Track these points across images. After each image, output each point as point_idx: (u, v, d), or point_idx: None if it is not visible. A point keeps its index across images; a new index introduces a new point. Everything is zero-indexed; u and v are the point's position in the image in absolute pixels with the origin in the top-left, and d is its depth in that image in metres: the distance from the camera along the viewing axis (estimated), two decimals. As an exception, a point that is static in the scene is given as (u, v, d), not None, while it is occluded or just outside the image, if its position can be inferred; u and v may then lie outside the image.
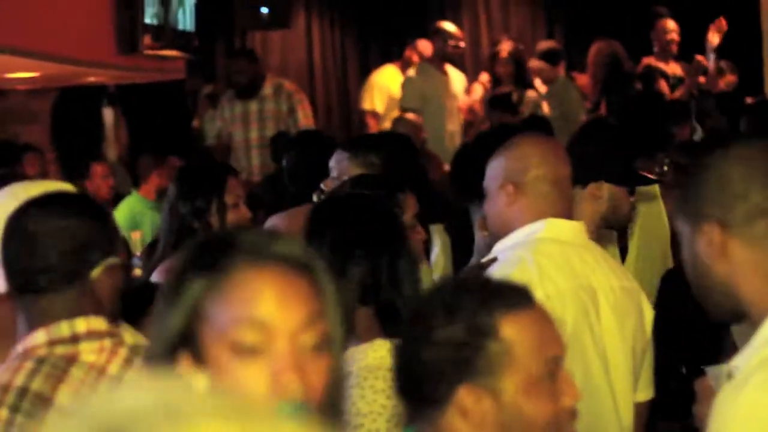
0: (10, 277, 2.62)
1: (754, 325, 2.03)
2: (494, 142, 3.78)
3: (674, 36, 10.09)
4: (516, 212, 3.35)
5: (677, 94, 9.28)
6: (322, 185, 4.45)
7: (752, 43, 9.86)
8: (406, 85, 9.57)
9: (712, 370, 2.18)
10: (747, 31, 10.05)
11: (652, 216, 5.16)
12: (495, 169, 3.45)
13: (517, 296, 2.09)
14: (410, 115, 8.91)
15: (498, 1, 12.59)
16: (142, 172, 7.93)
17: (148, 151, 8.39)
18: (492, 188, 3.41)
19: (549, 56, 10.06)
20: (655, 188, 4.13)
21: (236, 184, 4.31)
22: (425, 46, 10.23)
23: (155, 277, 4.00)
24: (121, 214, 7.59)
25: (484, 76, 10.00)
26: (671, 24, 10.14)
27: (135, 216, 7.37)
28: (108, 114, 9.23)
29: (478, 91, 10.03)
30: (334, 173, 4.41)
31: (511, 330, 2.02)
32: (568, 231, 3.39)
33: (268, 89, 9.12)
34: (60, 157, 8.67)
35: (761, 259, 2.01)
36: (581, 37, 11.42)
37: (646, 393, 3.53)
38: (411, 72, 9.76)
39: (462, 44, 9.98)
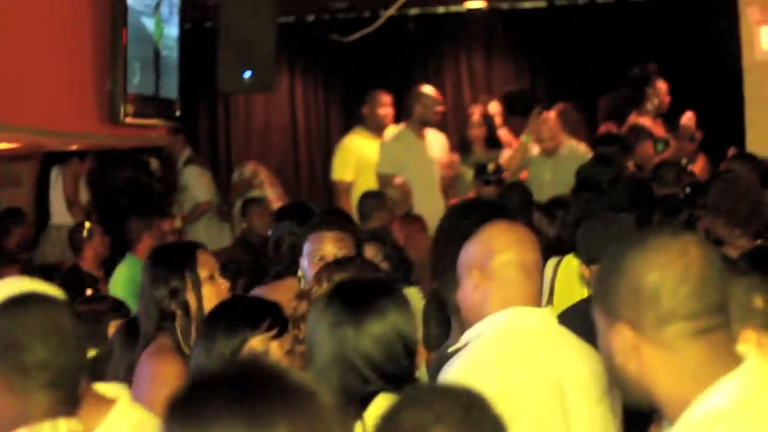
0: None
1: (670, 422, 2.08)
2: (464, 223, 3.81)
3: (667, 96, 10.24)
4: (482, 298, 3.34)
5: (664, 156, 9.35)
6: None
7: (734, 101, 9.97)
8: (382, 149, 9.46)
9: None
10: (729, 91, 10.15)
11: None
12: (463, 255, 3.47)
13: None
14: (398, 179, 8.88)
15: (481, 63, 12.67)
16: (133, 234, 7.94)
17: (131, 214, 8.45)
18: (461, 275, 3.41)
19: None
20: None
21: (207, 257, 4.20)
22: (379, 100, 9.93)
23: (144, 365, 3.95)
24: (121, 277, 7.53)
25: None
26: (663, 84, 10.26)
27: (135, 278, 7.31)
28: (54, 174, 9.24)
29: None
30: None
31: None
32: (534, 319, 3.39)
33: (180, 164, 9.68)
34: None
35: (672, 362, 2.05)
36: (564, 96, 11.49)
37: None
38: (388, 136, 9.62)
39: (441, 108, 9.92)
